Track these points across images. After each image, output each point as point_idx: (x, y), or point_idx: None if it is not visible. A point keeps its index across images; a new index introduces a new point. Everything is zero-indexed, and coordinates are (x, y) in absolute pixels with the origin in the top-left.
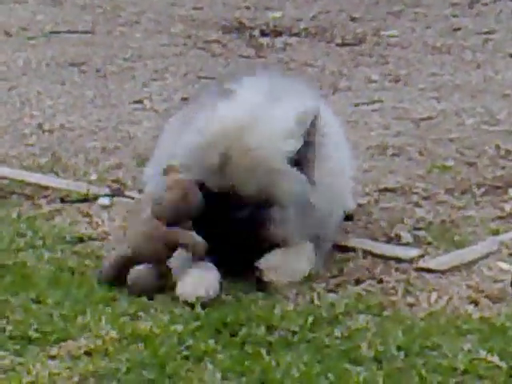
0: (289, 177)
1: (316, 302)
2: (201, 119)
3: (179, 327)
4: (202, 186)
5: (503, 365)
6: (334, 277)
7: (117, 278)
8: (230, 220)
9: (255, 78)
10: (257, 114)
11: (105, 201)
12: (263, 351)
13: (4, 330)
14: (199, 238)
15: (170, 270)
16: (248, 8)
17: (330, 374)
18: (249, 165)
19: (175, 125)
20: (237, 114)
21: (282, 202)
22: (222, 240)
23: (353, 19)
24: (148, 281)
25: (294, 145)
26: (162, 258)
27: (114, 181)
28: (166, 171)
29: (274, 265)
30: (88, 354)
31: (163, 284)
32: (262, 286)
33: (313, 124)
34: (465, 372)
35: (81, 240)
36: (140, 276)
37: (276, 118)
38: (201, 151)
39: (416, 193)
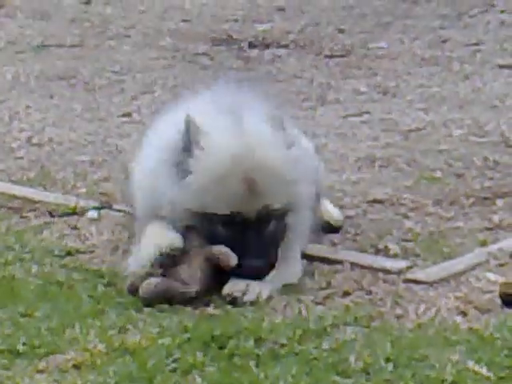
0: (298, 182)
1: (304, 314)
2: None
3: (167, 340)
4: (227, 218)
5: (491, 376)
6: (322, 289)
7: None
8: (259, 236)
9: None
10: (253, 131)
11: (93, 214)
12: (251, 364)
13: None
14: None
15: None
16: (236, 20)
17: None
18: (273, 181)
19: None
20: (238, 137)
21: (298, 208)
22: (250, 256)
23: (341, 31)
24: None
25: (294, 152)
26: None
27: (102, 194)
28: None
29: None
30: (76, 367)
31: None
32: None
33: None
34: (453, 383)
35: (69, 253)
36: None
37: (265, 130)
38: (221, 184)
39: (404, 204)
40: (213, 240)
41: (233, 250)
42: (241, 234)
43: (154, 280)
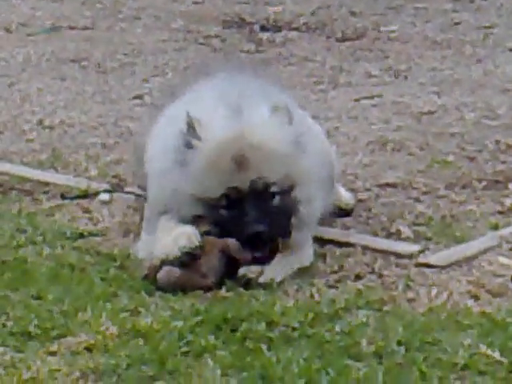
0: (300, 158)
1: (316, 297)
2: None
3: (179, 323)
4: (225, 198)
5: (504, 360)
6: (334, 272)
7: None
8: (266, 212)
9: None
10: (248, 114)
11: (105, 196)
12: (263, 347)
13: (4, 325)
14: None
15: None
16: (248, 3)
17: (330, 370)
18: (264, 156)
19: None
20: (233, 123)
21: (303, 182)
22: (249, 223)
23: (353, 14)
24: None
25: (291, 130)
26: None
27: (114, 176)
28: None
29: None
30: (88, 349)
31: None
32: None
33: (289, 111)
34: (465, 367)
35: (81, 236)
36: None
37: (264, 112)
38: (214, 167)
39: (416, 188)
40: (220, 225)
41: (237, 231)
42: (242, 212)
43: (174, 270)
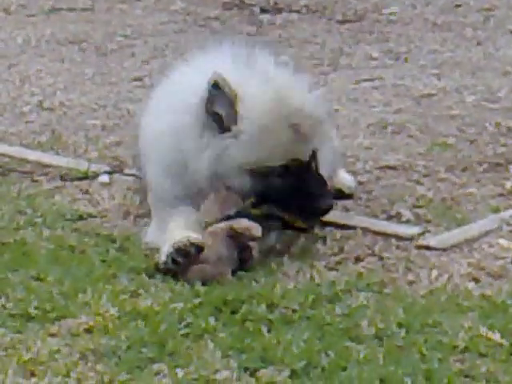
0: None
1: (316, 279)
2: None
3: (179, 305)
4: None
5: (504, 342)
6: (334, 254)
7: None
8: (318, 177)
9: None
10: (280, 80)
11: (104, 178)
12: (264, 329)
13: (4, 307)
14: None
15: None
16: None
17: (330, 352)
18: (312, 123)
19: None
20: (271, 86)
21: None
22: (318, 197)
23: None
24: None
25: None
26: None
27: (113, 158)
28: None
29: None
30: (88, 331)
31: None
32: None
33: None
34: (465, 349)
35: (81, 217)
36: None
37: (290, 78)
38: (271, 134)
39: (417, 170)
40: (265, 194)
41: (288, 198)
42: (299, 181)
43: (200, 267)
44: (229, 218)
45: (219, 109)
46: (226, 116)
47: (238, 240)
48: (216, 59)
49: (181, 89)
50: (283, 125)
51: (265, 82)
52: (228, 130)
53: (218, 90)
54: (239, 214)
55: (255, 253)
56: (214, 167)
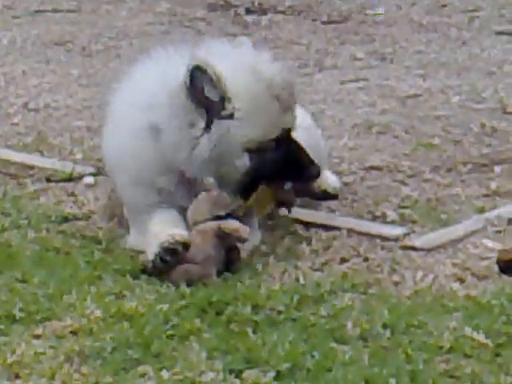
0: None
1: (301, 280)
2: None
3: (165, 306)
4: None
5: (489, 343)
6: (319, 255)
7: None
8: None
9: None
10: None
11: (90, 180)
12: (249, 330)
13: None
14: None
15: None
16: None
17: (315, 353)
18: (290, 92)
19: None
20: (249, 66)
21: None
22: (308, 165)
23: None
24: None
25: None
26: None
27: (98, 160)
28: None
29: None
30: (73, 333)
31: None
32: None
33: None
34: (450, 350)
35: (66, 219)
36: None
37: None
38: (264, 107)
39: (402, 171)
40: (260, 171)
41: (281, 170)
42: (289, 151)
43: (185, 267)
44: (217, 218)
45: (207, 92)
46: (217, 98)
47: (225, 241)
48: (174, 55)
49: (144, 87)
50: (268, 97)
51: (237, 60)
52: (220, 111)
53: (200, 74)
54: (229, 216)
55: (242, 254)
56: (214, 151)
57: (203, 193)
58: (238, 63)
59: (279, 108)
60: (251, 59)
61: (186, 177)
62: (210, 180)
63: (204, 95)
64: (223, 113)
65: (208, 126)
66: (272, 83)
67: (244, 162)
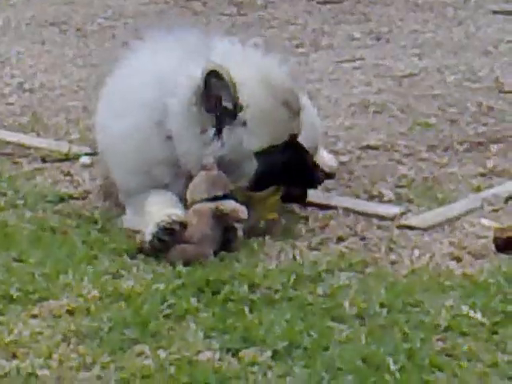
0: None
1: (298, 259)
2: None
3: (161, 286)
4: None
5: (486, 321)
6: (316, 235)
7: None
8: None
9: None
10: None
11: (86, 160)
12: (246, 309)
13: None
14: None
15: None
16: None
17: (312, 332)
18: (296, 98)
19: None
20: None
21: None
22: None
23: None
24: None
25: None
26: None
27: (94, 140)
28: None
29: None
30: (70, 312)
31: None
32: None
33: None
34: (447, 328)
35: (62, 199)
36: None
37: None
38: (273, 113)
39: (398, 150)
40: (268, 174)
41: (288, 173)
42: (296, 154)
43: (182, 247)
44: (215, 198)
45: (223, 99)
46: (231, 106)
47: (223, 221)
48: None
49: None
50: (278, 104)
51: (248, 67)
52: (233, 118)
53: (216, 80)
54: (226, 197)
55: (240, 235)
56: (224, 156)
57: (202, 172)
58: (248, 70)
59: (288, 114)
60: (261, 65)
61: (184, 171)
62: (210, 160)
63: (217, 101)
64: (235, 120)
65: (219, 132)
66: (281, 90)
67: (252, 167)
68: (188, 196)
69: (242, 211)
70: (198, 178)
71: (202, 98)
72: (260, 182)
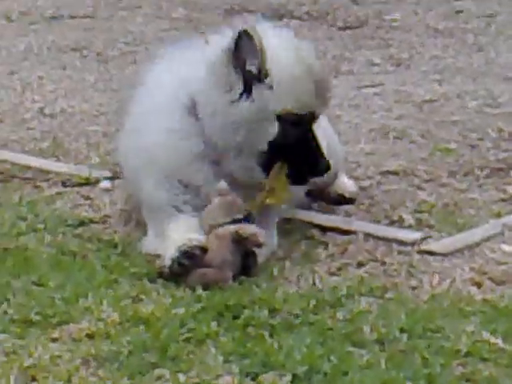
0: None
1: (318, 285)
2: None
3: (181, 310)
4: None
5: (506, 347)
6: (336, 260)
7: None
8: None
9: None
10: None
11: (106, 184)
12: (266, 334)
13: (6, 313)
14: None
15: None
16: None
17: (332, 357)
18: (327, 87)
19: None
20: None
21: None
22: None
23: (355, 2)
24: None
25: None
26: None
27: (115, 164)
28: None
29: None
30: (90, 336)
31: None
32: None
33: None
34: (468, 354)
35: (82, 223)
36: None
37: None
38: (300, 83)
39: (418, 176)
40: (280, 148)
41: (298, 153)
42: (307, 139)
43: (202, 271)
44: (234, 221)
45: (249, 60)
46: (255, 68)
47: (242, 245)
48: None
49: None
50: (308, 78)
51: (281, 40)
52: (259, 81)
53: (247, 40)
54: (245, 220)
55: (259, 259)
56: (250, 116)
57: (217, 198)
58: (281, 42)
59: (315, 91)
60: (296, 42)
61: (218, 170)
62: (223, 185)
63: (244, 63)
64: (262, 83)
65: (248, 91)
66: (312, 67)
67: (274, 129)
68: (204, 222)
69: (261, 235)
70: (213, 204)
71: (232, 57)
72: (276, 149)
